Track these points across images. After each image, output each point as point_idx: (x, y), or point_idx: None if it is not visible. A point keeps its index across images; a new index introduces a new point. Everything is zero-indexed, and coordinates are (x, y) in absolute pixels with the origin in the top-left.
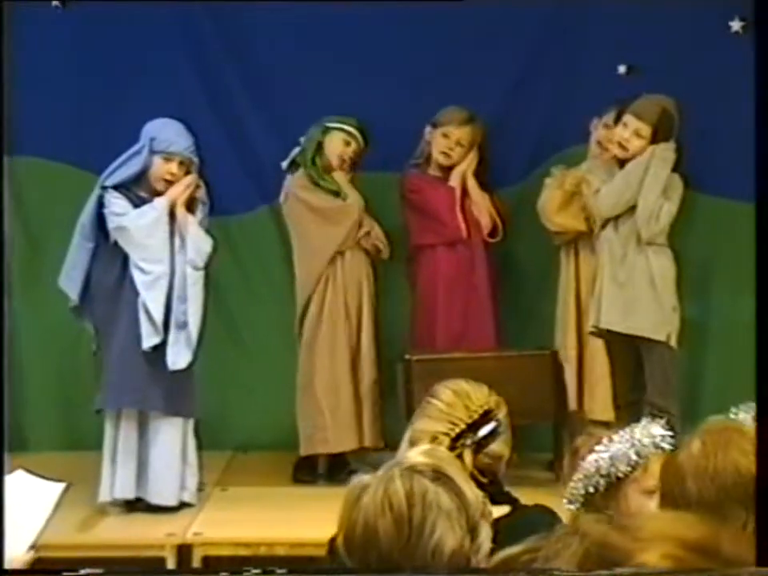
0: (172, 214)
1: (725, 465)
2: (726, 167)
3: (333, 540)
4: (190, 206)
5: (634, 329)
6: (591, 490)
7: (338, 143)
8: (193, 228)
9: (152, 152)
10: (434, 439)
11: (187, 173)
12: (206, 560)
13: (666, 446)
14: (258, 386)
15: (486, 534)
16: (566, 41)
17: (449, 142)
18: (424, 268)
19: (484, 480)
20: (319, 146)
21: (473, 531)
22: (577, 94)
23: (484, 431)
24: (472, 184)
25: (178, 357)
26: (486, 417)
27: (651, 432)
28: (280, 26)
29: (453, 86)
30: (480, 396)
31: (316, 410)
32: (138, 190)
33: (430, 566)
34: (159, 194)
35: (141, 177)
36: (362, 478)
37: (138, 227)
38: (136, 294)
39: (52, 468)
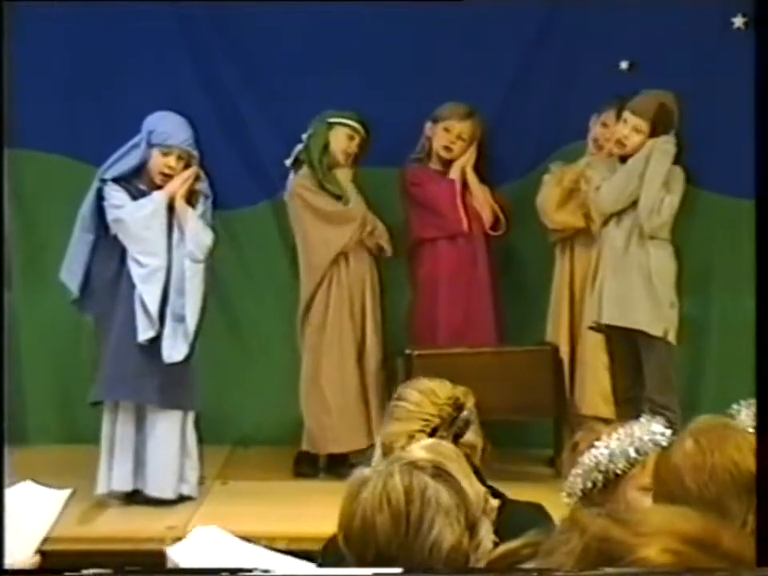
0: (171, 207)
1: (722, 461)
2: (728, 164)
3: (331, 539)
4: (191, 198)
5: (630, 323)
6: (589, 485)
7: (343, 138)
8: (192, 221)
9: (150, 145)
10: (410, 438)
11: (187, 166)
12: None
13: (666, 444)
14: (259, 380)
15: (486, 531)
16: (567, 37)
17: (450, 135)
18: (425, 262)
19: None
20: (325, 145)
21: (472, 528)
22: (577, 90)
23: (459, 422)
24: (472, 178)
25: (174, 350)
26: (456, 408)
27: (651, 429)
28: (280, 20)
29: (453, 82)
30: (445, 390)
31: (323, 410)
32: (137, 182)
33: (428, 562)
34: (159, 186)
35: (140, 170)
36: (362, 472)
37: (135, 220)
38: (133, 286)
39: (51, 461)
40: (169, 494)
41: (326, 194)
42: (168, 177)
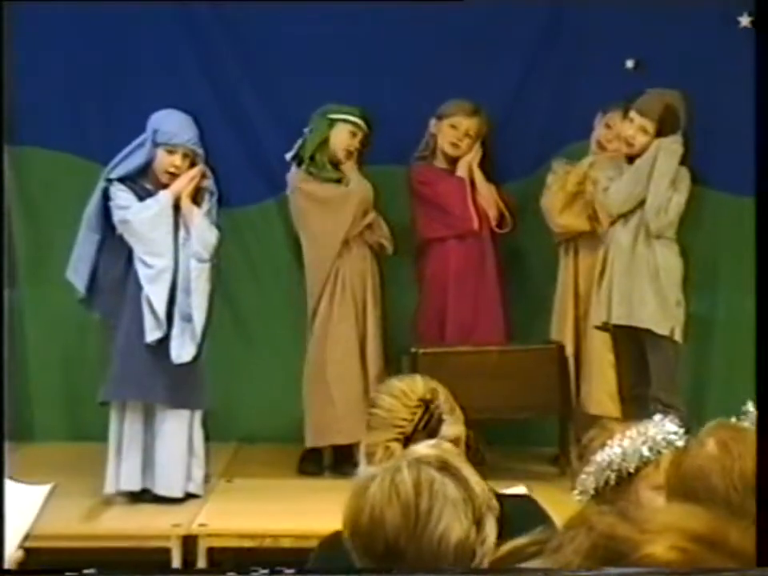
0: (177, 207)
1: (752, 466)
2: (734, 163)
3: (325, 539)
4: (196, 197)
5: (638, 321)
6: (602, 483)
7: (345, 135)
8: (198, 220)
9: (155, 144)
10: (386, 449)
11: (192, 164)
12: (210, 551)
13: (680, 443)
14: (264, 377)
15: (491, 527)
16: (572, 35)
17: (457, 132)
18: (433, 261)
19: None
20: (324, 141)
21: (478, 523)
22: (582, 88)
23: (432, 422)
24: (478, 175)
25: (183, 350)
26: (425, 408)
27: (665, 428)
28: (285, 17)
29: (458, 80)
30: (415, 389)
31: (327, 401)
32: (143, 182)
33: (436, 554)
34: (164, 185)
35: (146, 169)
36: (369, 470)
37: (141, 221)
38: (140, 287)
39: (58, 459)
40: (177, 493)
41: (325, 182)
42: (174, 175)
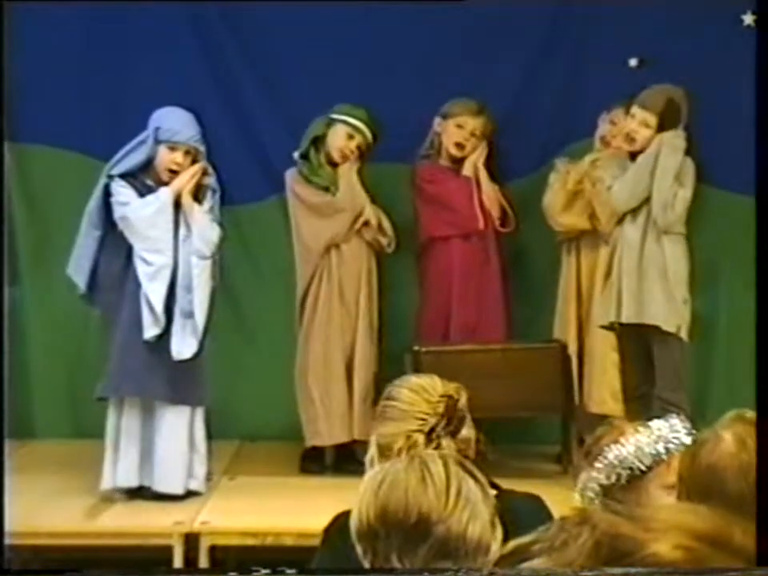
0: (178, 204)
1: None
2: (738, 161)
3: (331, 525)
4: (198, 194)
5: (647, 318)
6: (612, 481)
7: (341, 136)
8: (199, 217)
9: (157, 141)
10: (408, 438)
11: (194, 161)
12: (212, 549)
13: (690, 442)
14: (266, 375)
15: (499, 527)
16: (576, 34)
17: (463, 132)
18: (437, 260)
19: None
20: (317, 140)
21: (492, 521)
22: (587, 87)
23: (455, 419)
24: (483, 175)
25: (183, 346)
26: (450, 405)
27: (676, 427)
28: (289, 15)
29: (462, 78)
30: (436, 387)
31: (309, 402)
32: (144, 178)
33: (462, 537)
34: (166, 183)
35: (147, 166)
36: (381, 466)
37: (141, 218)
38: (139, 284)
39: (59, 456)
40: (178, 490)
41: (314, 186)
42: (175, 173)
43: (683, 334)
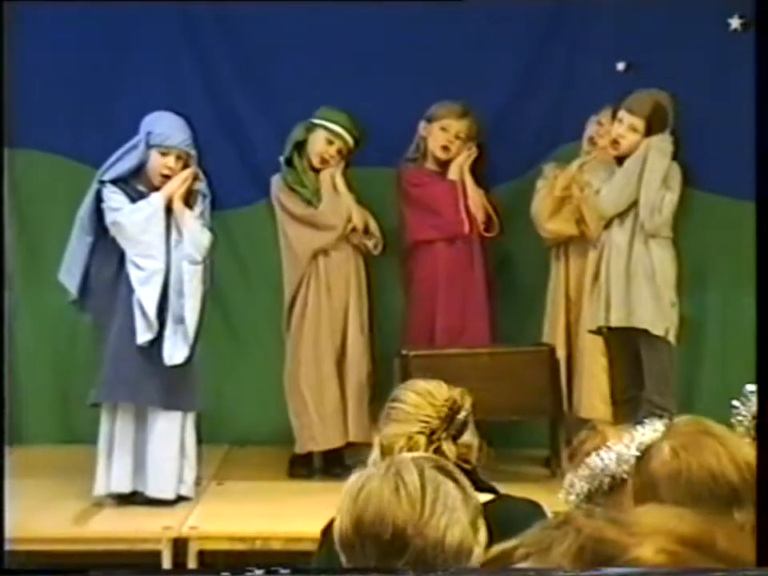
0: (169, 209)
1: (698, 470)
2: (725, 165)
3: (328, 527)
4: (189, 199)
5: (636, 322)
6: (594, 488)
7: (321, 142)
8: (190, 222)
9: (148, 146)
10: (409, 439)
11: (185, 166)
12: (201, 554)
13: None
14: (255, 380)
15: (483, 531)
16: (565, 38)
17: (448, 135)
18: (422, 264)
19: (467, 467)
20: (299, 145)
21: (474, 524)
22: (575, 91)
23: (457, 423)
24: (469, 179)
25: (175, 351)
26: (454, 410)
27: (657, 432)
28: (279, 20)
29: (450, 82)
30: (442, 391)
31: (302, 408)
32: (136, 184)
33: (441, 545)
34: (157, 188)
35: (139, 171)
36: (362, 472)
37: (133, 223)
38: (131, 289)
39: (49, 461)
40: (169, 495)
41: (296, 196)
42: (167, 177)
43: (671, 338)
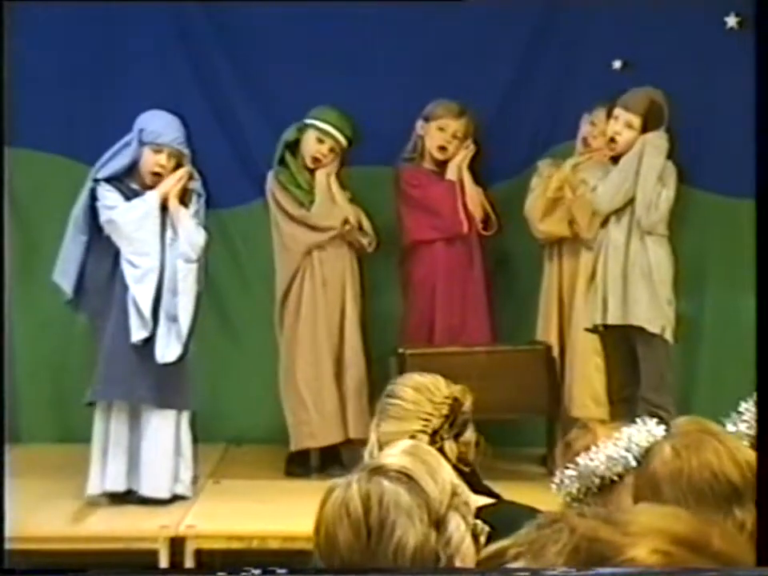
0: (164, 207)
1: (699, 468)
2: (721, 163)
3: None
4: (183, 198)
5: (632, 319)
6: (584, 489)
7: (312, 141)
8: (185, 220)
9: (141, 143)
10: (411, 438)
11: (178, 165)
12: (198, 553)
13: None
14: (251, 379)
15: (455, 525)
16: (561, 37)
17: (445, 134)
18: (421, 264)
19: (466, 469)
20: (292, 145)
21: (438, 524)
22: (571, 89)
23: (459, 422)
24: (467, 178)
25: (168, 350)
26: (455, 408)
27: (650, 432)
28: (276, 19)
29: (446, 81)
30: (440, 387)
31: (299, 404)
32: (130, 182)
33: (393, 564)
34: (150, 186)
35: (132, 169)
36: (335, 481)
37: (128, 221)
38: (126, 287)
39: (44, 460)
40: (164, 494)
41: (290, 196)
42: (159, 176)
43: (668, 335)
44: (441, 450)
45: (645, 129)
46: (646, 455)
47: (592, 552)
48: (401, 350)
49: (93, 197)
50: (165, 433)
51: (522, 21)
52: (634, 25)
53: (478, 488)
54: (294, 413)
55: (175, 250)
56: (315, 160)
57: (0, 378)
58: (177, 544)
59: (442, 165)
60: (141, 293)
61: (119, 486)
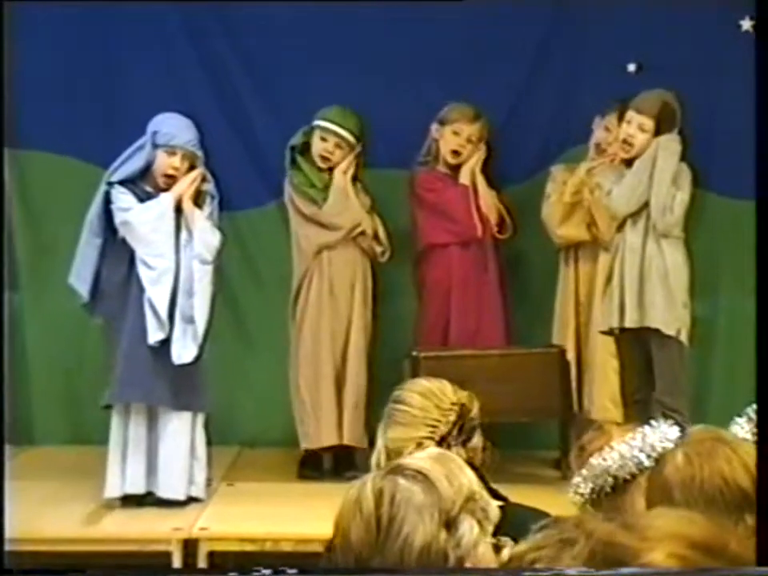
0: (179, 209)
1: (711, 476)
2: (736, 167)
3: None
4: (197, 199)
5: (648, 322)
6: (597, 489)
7: (317, 141)
8: (200, 222)
9: (155, 146)
10: (419, 445)
11: (192, 167)
12: (211, 555)
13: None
14: (265, 381)
15: (468, 527)
16: (573, 39)
17: (459, 139)
18: (435, 267)
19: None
20: (301, 148)
21: (449, 524)
22: (584, 92)
23: (467, 428)
24: (481, 181)
25: (184, 351)
26: (462, 414)
27: (664, 434)
28: (288, 21)
29: (460, 83)
30: (447, 392)
31: (301, 405)
32: (144, 184)
33: (399, 561)
34: (164, 189)
35: (146, 171)
36: (355, 483)
37: (143, 222)
38: (142, 289)
39: (58, 462)
40: (180, 496)
41: (304, 195)
42: (173, 178)
43: (683, 338)
44: None
45: (658, 131)
46: (659, 461)
47: (608, 557)
48: (414, 353)
49: (107, 200)
50: (181, 435)
51: (535, 23)
52: (648, 27)
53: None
54: (297, 413)
55: (190, 252)
56: (324, 159)
57: (0, 379)
58: (190, 546)
59: (456, 168)
60: (157, 294)
61: (139, 488)
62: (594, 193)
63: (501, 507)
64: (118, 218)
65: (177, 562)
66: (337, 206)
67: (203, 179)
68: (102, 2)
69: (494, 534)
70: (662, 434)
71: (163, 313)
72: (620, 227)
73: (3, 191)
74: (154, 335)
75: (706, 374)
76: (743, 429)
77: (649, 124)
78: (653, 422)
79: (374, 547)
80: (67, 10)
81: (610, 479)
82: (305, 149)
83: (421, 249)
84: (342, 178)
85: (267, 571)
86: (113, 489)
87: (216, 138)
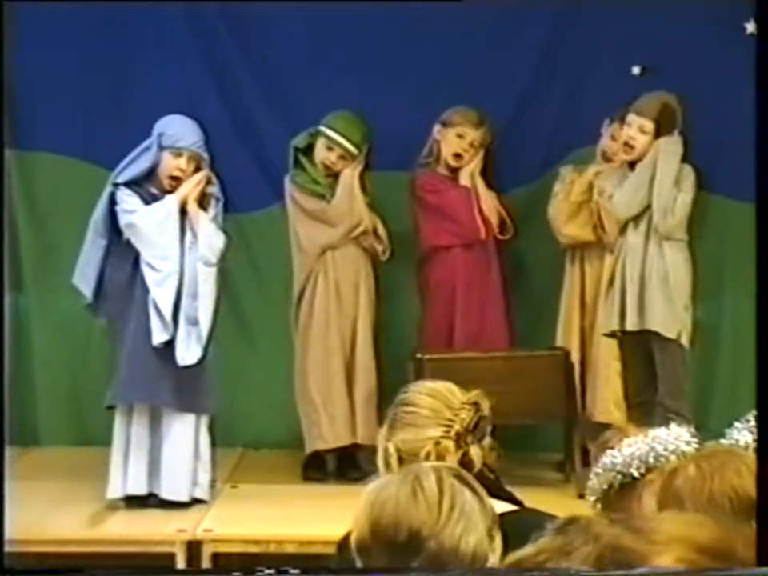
0: (183, 211)
1: (721, 487)
2: (739, 169)
3: (344, 539)
4: (202, 202)
5: (649, 325)
6: (607, 486)
7: (322, 148)
8: (205, 224)
9: (161, 148)
10: (436, 444)
11: (197, 169)
12: (215, 557)
13: (689, 451)
14: (269, 383)
15: (498, 541)
16: (578, 41)
17: (463, 143)
18: (439, 269)
19: (491, 476)
20: (305, 149)
21: (490, 533)
22: (588, 95)
23: (482, 425)
24: (481, 184)
25: (188, 353)
26: (475, 412)
27: (677, 436)
28: (293, 24)
29: (464, 86)
30: (455, 392)
31: (311, 406)
32: (149, 186)
33: (456, 551)
34: (169, 190)
35: (151, 173)
36: (380, 479)
37: (148, 224)
38: (147, 290)
39: (63, 463)
40: (184, 497)
41: (308, 192)
42: (178, 180)
43: (684, 340)
44: (467, 455)
45: (658, 133)
46: (671, 472)
47: (616, 560)
48: (418, 356)
49: (112, 201)
50: (185, 436)
51: (539, 25)
52: (652, 30)
53: (500, 494)
54: (306, 415)
55: (195, 254)
56: (326, 167)
57: (0, 379)
58: (194, 548)
59: (456, 171)
60: (161, 296)
61: (140, 490)
62: (603, 195)
63: (516, 512)
64: (123, 219)
65: (180, 564)
66: (345, 201)
67: (208, 181)
68: (107, 2)
69: (508, 540)
70: (673, 435)
71: (168, 314)
72: (622, 230)
73: (3, 192)
74: (158, 336)
75: (710, 377)
76: (743, 432)
77: (649, 126)
78: (670, 425)
79: (433, 529)
80: (77, 12)
81: (619, 476)
82: (308, 149)
83: (424, 251)
84: (349, 173)
85: (270, 571)
86: (115, 490)
87: (221, 141)
